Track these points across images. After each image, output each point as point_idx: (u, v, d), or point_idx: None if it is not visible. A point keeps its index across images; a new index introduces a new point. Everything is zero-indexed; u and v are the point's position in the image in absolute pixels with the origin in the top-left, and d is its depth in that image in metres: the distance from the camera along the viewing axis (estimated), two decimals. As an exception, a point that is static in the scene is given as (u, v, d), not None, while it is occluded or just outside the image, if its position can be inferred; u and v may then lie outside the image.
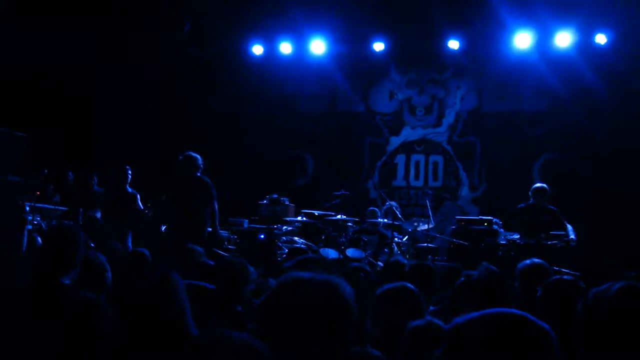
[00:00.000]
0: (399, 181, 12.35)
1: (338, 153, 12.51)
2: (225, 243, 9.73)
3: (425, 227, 9.51)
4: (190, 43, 12.25)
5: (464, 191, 11.98)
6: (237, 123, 12.57)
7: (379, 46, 12.00)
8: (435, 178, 12.16)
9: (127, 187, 8.89)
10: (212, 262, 4.82)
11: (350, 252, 9.02)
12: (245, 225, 10.59)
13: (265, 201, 11.00)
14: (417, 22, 11.54)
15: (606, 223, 9.64)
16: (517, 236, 8.91)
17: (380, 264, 8.50)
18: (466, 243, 9.20)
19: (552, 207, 8.65)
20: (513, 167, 11.33)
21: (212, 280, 4.00)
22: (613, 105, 10.71)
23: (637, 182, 9.86)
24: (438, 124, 12.20)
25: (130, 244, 8.64)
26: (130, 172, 8.88)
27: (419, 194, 12.07)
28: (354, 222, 9.92)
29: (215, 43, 12.52)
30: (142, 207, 8.85)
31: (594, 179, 10.45)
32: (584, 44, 10.95)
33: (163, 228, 9.28)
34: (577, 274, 5.72)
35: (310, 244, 9.39)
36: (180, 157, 8.13)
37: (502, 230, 9.63)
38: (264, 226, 10.02)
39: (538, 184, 8.88)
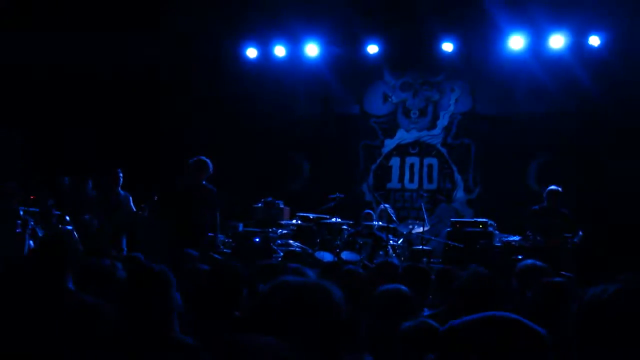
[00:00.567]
0: (394, 184, 12.36)
1: (333, 156, 12.50)
2: (221, 247, 9.71)
3: (420, 229, 9.53)
4: (185, 46, 12.22)
5: (459, 193, 11.99)
6: (231, 126, 12.54)
7: (373, 49, 12.01)
8: (430, 180, 12.17)
9: (119, 189, 8.88)
10: (206, 267, 4.80)
11: (345, 255, 9.03)
12: (241, 228, 10.58)
13: (260, 204, 11.00)
14: (411, 25, 11.55)
15: (601, 226, 9.65)
16: (512, 238, 8.92)
17: (375, 266, 8.50)
18: (461, 245, 9.23)
19: (564, 210, 8.65)
20: (508, 169, 11.34)
21: (208, 285, 3.99)
22: (607, 107, 10.73)
23: (631, 184, 9.87)
24: (432, 126, 12.21)
25: (125, 247, 8.62)
26: (121, 174, 8.86)
27: (413, 196, 12.08)
28: (349, 225, 9.93)
29: (210, 46, 12.51)
30: (134, 209, 8.84)
31: (587, 180, 10.47)
32: (578, 45, 10.98)
33: (160, 230, 9.24)
34: (570, 275, 5.74)
35: (305, 247, 9.40)
36: (192, 161, 7.91)
37: (497, 232, 9.66)
38: (259, 229, 10.02)
39: (553, 187, 8.79)
